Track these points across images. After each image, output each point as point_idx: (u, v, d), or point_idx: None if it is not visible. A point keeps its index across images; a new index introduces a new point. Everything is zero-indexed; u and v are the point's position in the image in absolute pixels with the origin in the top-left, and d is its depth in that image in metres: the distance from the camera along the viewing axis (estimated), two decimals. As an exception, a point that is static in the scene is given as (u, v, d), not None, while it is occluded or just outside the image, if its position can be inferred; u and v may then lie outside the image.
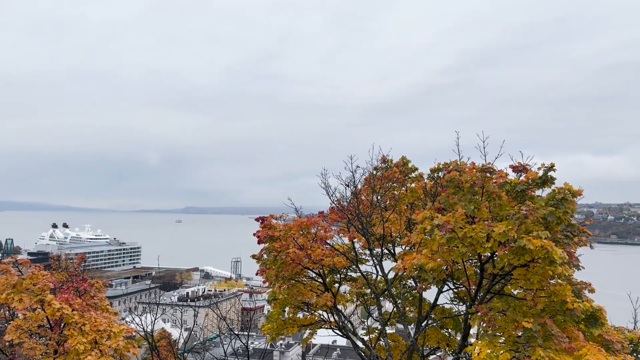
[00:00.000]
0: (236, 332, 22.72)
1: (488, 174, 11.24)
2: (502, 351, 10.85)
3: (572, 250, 11.26)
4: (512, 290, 12.86)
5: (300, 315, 17.82)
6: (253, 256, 14.84)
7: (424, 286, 11.32)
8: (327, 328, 17.51)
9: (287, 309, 17.09)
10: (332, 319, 17.13)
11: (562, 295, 10.75)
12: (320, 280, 15.61)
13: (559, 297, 10.81)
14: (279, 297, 16.41)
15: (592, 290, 12.22)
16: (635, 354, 13.90)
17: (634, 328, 16.59)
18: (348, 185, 15.50)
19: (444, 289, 16.42)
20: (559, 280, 11.89)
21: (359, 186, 15.75)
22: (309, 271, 15.00)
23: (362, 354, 15.75)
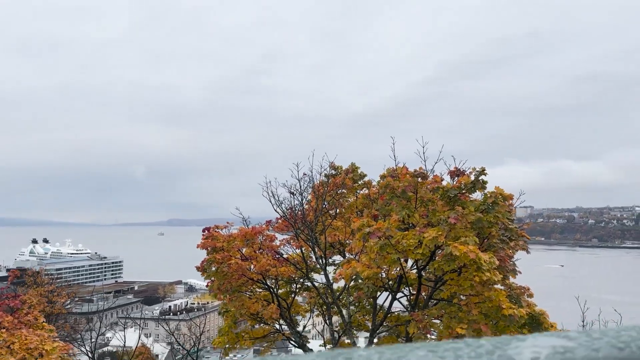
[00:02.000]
0: (186, 349, 22.33)
1: (420, 179, 11.17)
2: (437, 359, 10.73)
3: (507, 255, 11.21)
4: (461, 297, 12.81)
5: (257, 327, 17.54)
6: (197, 268, 14.58)
7: (359, 295, 11.15)
8: (282, 340, 17.25)
9: (243, 321, 16.81)
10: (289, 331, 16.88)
11: (497, 300, 10.69)
12: (271, 291, 15.39)
13: (493, 302, 10.75)
14: (231, 309, 16.12)
15: (530, 295, 12.18)
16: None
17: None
18: (293, 194, 15.38)
19: (398, 296, 16.30)
20: (498, 286, 11.88)
21: (305, 194, 15.64)
22: (260, 282, 14.78)
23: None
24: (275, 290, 16.32)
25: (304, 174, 15.32)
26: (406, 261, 12.30)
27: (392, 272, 11.76)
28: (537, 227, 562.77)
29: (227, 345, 16.27)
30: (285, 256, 16.63)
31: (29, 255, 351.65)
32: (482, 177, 11.06)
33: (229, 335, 16.58)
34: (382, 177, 16.33)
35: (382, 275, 11.77)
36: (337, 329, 18.53)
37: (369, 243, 10.88)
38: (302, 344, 15.59)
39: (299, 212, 15.58)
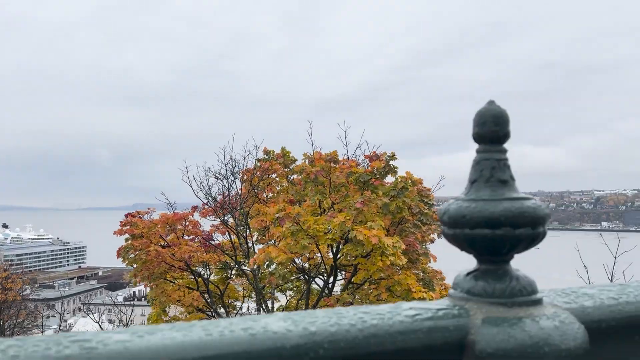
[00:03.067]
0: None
1: (333, 164, 11.05)
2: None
3: (416, 240, 11.24)
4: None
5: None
6: (117, 255, 14.19)
7: (271, 280, 11.03)
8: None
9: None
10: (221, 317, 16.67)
11: (405, 284, 10.73)
12: (195, 278, 15.10)
13: (402, 286, 10.79)
14: (152, 296, 15.78)
15: (442, 279, 12.29)
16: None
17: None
18: (217, 178, 15.09)
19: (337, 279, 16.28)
20: (419, 271, 11.96)
21: (233, 179, 15.35)
22: (182, 269, 14.46)
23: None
24: (205, 276, 16.06)
25: (230, 158, 15.04)
26: (332, 247, 12.22)
27: (306, 258, 11.67)
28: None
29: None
30: (217, 242, 16.36)
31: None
32: (393, 162, 11.01)
33: (158, 322, 16.27)
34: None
35: (297, 260, 11.66)
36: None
37: (281, 228, 10.73)
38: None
39: (224, 198, 15.30)
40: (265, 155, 16.45)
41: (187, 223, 14.33)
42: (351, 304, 11.12)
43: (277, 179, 16.36)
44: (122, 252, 13.35)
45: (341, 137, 12.62)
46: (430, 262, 13.17)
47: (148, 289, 17.31)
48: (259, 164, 16.06)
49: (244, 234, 14.97)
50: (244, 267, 15.70)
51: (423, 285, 11.74)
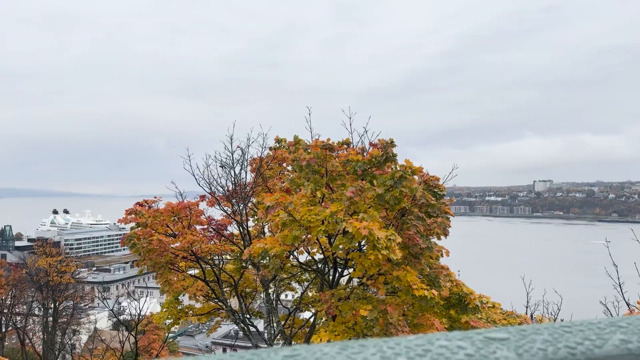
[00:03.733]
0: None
1: (329, 152, 10.41)
2: (342, 340, 10.18)
3: (417, 233, 10.45)
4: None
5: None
6: (121, 244, 14.13)
7: (264, 273, 10.57)
8: (227, 316, 16.86)
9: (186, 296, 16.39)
10: (233, 308, 16.46)
11: (405, 281, 10.01)
12: (202, 267, 14.88)
13: (402, 283, 10.07)
14: (160, 285, 15.68)
15: (449, 274, 11.44)
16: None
17: (526, 312, 15.90)
18: (223, 167, 14.71)
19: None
20: (424, 267, 11.19)
21: (240, 168, 14.94)
22: (186, 259, 14.26)
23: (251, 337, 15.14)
24: (219, 266, 15.85)
25: (237, 147, 14.63)
26: (329, 239, 11.64)
27: (303, 250, 11.14)
28: (555, 202, 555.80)
29: (167, 321, 15.96)
30: (228, 232, 16.10)
31: (50, 226, 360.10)
32: (392, 149, 10.24)
33: (171, 311, 16.23)
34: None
35: (293, 252, 11.14)
36: (289, 306, 18.09)
37: (275, 218, 10.24)
38: (237, 321, 15.15)
39: (226, 187, 14.93)
40: (276, 144, 15.99)
41: (191, 212, 14.06)
42: (347, 299, 10.52)
43: (290, 167, 15.87)
44: (125, 241, 13.25)
45: (345, 124, 11.94)
46: (442, 257, 12.36)
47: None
48: (270, 152, 15.63)
49: (247, 225, 14.58)
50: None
51: (428, 282, 10.98)
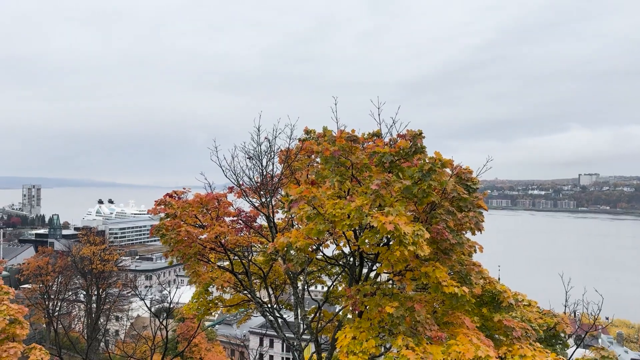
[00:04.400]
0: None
1: (353, 143, 10.07)
2: (367, 338, 9.88)
3: (446, 228, 9.99)
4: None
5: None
6: (151, 233, 14.22)
7: (288, 267, 10.36)
8: (257, 309, 16.82)
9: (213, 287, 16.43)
10: (262, 299, 16.42)
11: (434, 277, 9.62)
12: (230, 259, 14.85)
13: (430, 279, 9.68)
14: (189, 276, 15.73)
15: (481, 271, 10.94)
16: (553, 340, 12.60)
17: (565, 311, 15.15)
18: (251, 158, 14.56)
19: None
20: (454, 263, 10.75)
21: (268, 159, 14.77)
22: (214, 250, 14.23)
23: (278, 330, 15.05)
24: (247, 258, 15.80)
25: (265, 138, 14.47)
26: (355, 233, 11.34)
27: (328, 244, 10.88)
28: (602, 196, 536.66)
29: (196, 313, 16.05)
30: (258, 225, 16.02)
31: (95, 215, 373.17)
32: (420, 141, 9.80)
33: (200, 302, 16.32)
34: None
35: (319, 246, 10.90)
36: (319, 298, 17.91)
37: (299, 211, 10.00)
38: (264, 314, 15.08)
39: (252, 179, 14.79)
40: (305, 135, 15.75)
41: (220, 204, 14.01)
42: (373, 295, 10.21)
43: (318, 159, 15.62)
44: (154, 231, 13.33)
45: (374, 114, 11.55)
46: (475, 252, 11.88)
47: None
48: (299, 144, 15.42)
49: (273, 217, 14.43)
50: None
51: (458, 278, 10.54)
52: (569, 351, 14.73)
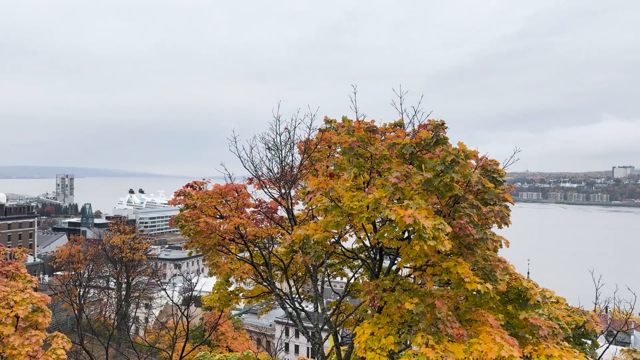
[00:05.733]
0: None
1: (372, 134, 9.72)
2: (386, 334, 9.60)
3: (470, 222, 9.57)
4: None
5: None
6: (170, 224, 14.20)
7: (305, 260, 10.14)
8: (276, 300, 16.71)
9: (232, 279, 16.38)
10: (283, 291, 16.30)
11: (455, 273, 9.25)
12: (257, 250, 14.75)
13: (452, 275, 9.32)
14: (208, 267, 15.69)
15: (506, 268, 10.50)
16: (582, 339, 12.07)
17: (594, 308, 14.53)
18: (270, 149, 14.35)
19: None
20: (478, 259, 10.35)
21: (287, 149, 14.53)
22: (233, 241, 14.11)
23: (298, 321, 14.89)
24: (267, 249, 15.68)
25: (285, 128, 14.23)
26: (375, 226, 11.04)
27: (345, 236, 10.60)
28: (637, 189, 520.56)
29: (217, 304, 16.03)
30: (279, 216, 15.85)
31: (127, 205, 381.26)
32: (442, 132, 9.39)
33: (221, 293, 16.28)
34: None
35: (338, 239, 10.63)
36: (340, 290, 17.68)
37: (315, 202, 9.76)
38: (283, 306, 14.92)
39: (277, 169, 14.59)
40: (326, 125, 15.46)
41: (239, 194, 13.86)
42: (392, 290, 9.91)
43: (339, 150, 15.32)
44: (173, 222, 13.28)
45: (395, 104, 11.17)
46: (501, 247, 11.45)
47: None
48: (320, 133, 15.14)
49: (292, 208, 14.21)
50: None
51: (482, 275, 10.14)
52: (599, 350, 14.16)
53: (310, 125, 14.16)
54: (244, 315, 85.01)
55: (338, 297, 16.71)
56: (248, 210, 14.97)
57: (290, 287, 16.33)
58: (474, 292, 9.58)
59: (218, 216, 13.83)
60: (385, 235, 9.16)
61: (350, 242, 12.90)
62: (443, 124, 9.36)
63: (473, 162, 10.32)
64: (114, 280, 68.53)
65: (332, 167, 11.05)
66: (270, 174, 14.75)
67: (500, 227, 10.90)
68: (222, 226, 13.20)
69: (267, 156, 14.66)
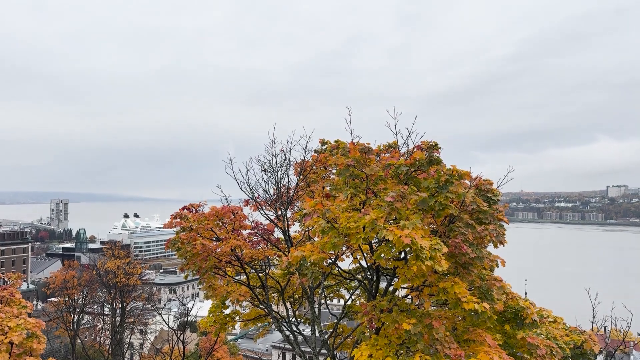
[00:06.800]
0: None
1: (367, 155, 9.85)
2: (385, 356, 9.55)
3: (465, 241, 9.64)
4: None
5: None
6: (164, 247, 14.17)
7: (302, 282, 10.15)
8: (273, 323, 16.60)
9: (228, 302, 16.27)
10: (280, 314, 16.21)
11: (452, 293, 9.27)
12: (246, 272, 14.68)
13: (449, 295, 9.33)
14: (204, 290, 15.60)
15: (503, 287, 10.53)
16: (581, 358, 12.01)
17: (591, 327, 14.51)
18: (266, 170, 14.45)
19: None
20: (475, 278, 10.38)
21: (283, 171, 14.63)
22: (230, 263, 14.09)
23: (294, 345, 14.76)
24: (263, 272, 15.62)
25: (281, 150, 14.34)
26: (371, 247, 11.08)
27: (343, 258, 10.63)
28: (631, 208, 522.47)
29: (213, 327, 15.88)
30: (275, 237, 15.85)
31: (121, 229, 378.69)
32: (437, 152, 9.52)
33: (217, 316, 16.15)
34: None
35: (335, 260, 10.65)
36: (337, 312, 17.60)
37: (311, 224, 9.81)
38: (280, 329, 14.81)
39: (268, 192, 14.65)
40: (322, 146, 15.58)
41: (235, 217, 13.88)
42: (390, 311, 9.90)
43: (334, 171, 15.42)
44: (170, 245, 13.27)
45: (390, 125, 11.33)
46: (497, 267, 11.49)
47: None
48: (316, 155, 15.26)
49: (288, 230, 14.24)
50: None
51: (479, 294, 10.16)
52: (598, 370, 14.09)
53: (306, 146, 14.30)
54: (240, 340, 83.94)
55: (335, 320, 16.62)
56: (244, 232, 14.98)
57: (287, 310, 16.24)
58: (471, 312, 9.60)
59: (214, 238, 13.84)
60: (382, 255, 9.20)
61: (347, 263, 12.92)
62: (436, 144, 9.50)
63: (467, 182, 10.44)
64: (109, 306, 67.72)
65: (328, 188, 11.12)
66: (267, 195, 14.81)
67: (496, 246, 10.96)
68: (218, 248, 13.20)
69: (263, 178, 14.76)
